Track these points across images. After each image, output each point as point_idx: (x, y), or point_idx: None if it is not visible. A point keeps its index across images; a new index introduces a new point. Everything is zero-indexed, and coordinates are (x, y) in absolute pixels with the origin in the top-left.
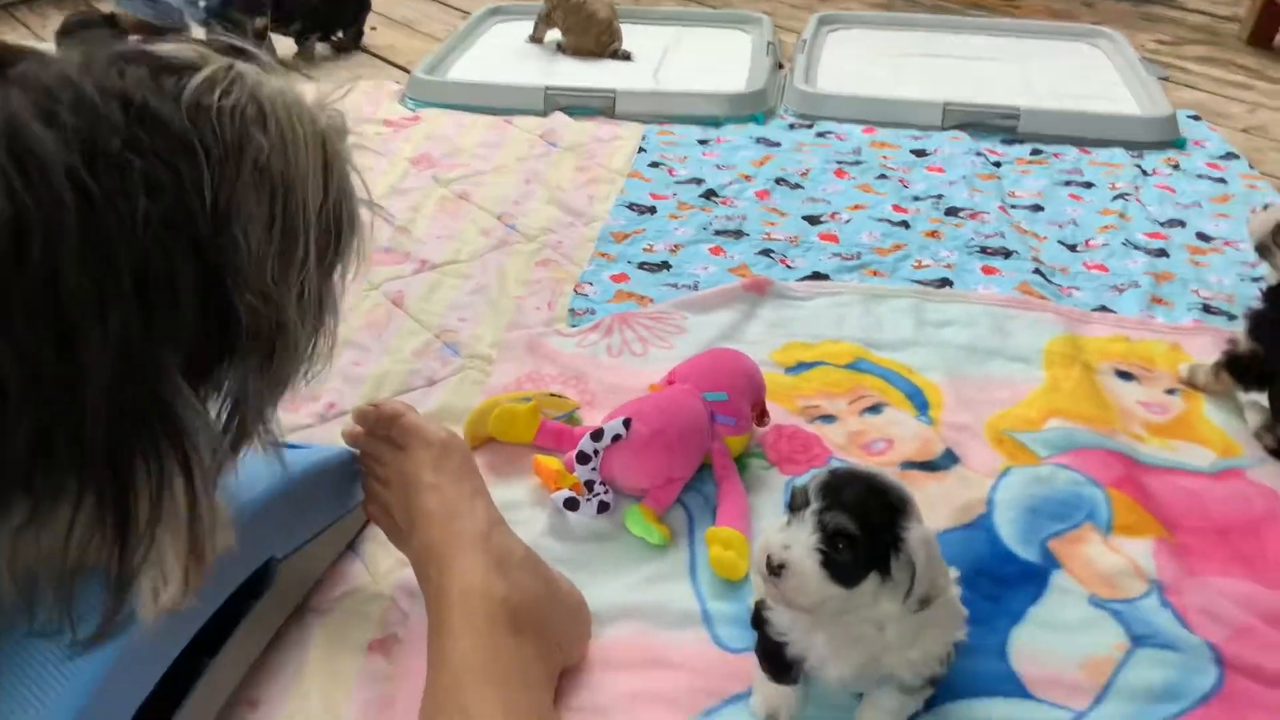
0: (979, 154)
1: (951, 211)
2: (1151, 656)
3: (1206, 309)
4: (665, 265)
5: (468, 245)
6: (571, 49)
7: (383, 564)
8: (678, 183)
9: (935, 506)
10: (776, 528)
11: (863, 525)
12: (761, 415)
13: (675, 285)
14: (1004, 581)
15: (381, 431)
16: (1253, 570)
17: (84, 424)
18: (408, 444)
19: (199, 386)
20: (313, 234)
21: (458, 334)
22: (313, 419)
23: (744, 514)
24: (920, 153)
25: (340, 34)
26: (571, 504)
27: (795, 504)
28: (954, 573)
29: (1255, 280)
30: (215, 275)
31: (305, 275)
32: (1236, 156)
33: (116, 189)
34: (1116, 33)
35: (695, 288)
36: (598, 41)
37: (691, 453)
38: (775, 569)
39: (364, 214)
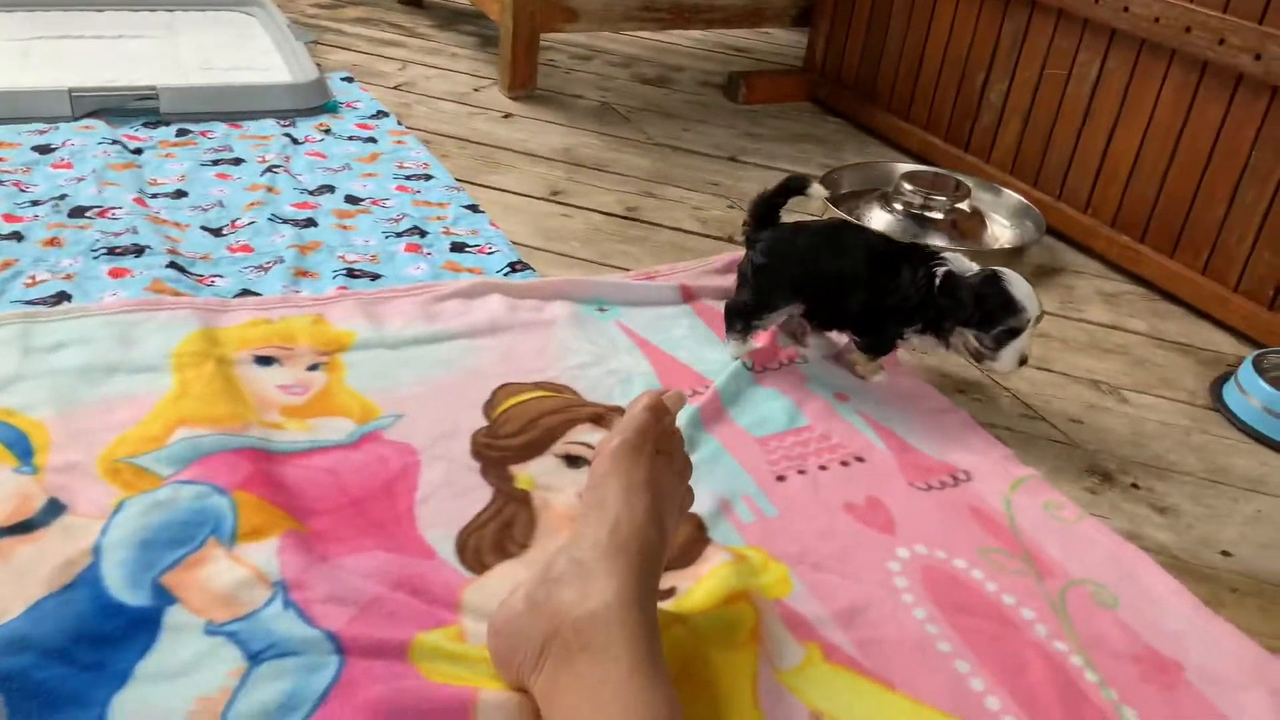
0: (115, 142)
1: (76, 212)
2: (269, 671)
3: (350, 273)
4: None
5: None
6: None
7: None
8: None
9: (27, 575)
10: None
11: None
12: None
13: None
14: (107, 641)
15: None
16: (386, 536)
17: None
18: None
19: None
20: None
21: None
22: None
23: None
24: (45, 149)
25: None
26: None
27: None
28: None
29: (399, 235)
30: None
31: None
32: (386, 114)
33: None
34: (270, 1)
35: None
36: None
37: None
38: None
39: None
